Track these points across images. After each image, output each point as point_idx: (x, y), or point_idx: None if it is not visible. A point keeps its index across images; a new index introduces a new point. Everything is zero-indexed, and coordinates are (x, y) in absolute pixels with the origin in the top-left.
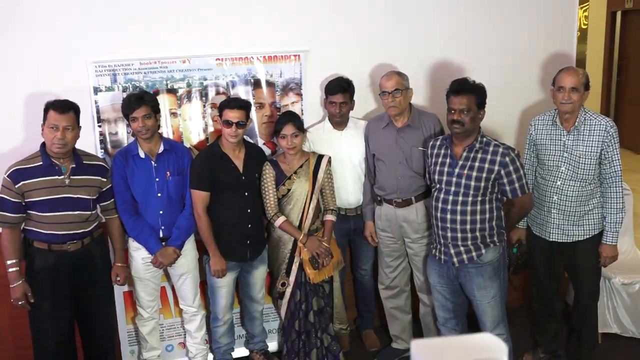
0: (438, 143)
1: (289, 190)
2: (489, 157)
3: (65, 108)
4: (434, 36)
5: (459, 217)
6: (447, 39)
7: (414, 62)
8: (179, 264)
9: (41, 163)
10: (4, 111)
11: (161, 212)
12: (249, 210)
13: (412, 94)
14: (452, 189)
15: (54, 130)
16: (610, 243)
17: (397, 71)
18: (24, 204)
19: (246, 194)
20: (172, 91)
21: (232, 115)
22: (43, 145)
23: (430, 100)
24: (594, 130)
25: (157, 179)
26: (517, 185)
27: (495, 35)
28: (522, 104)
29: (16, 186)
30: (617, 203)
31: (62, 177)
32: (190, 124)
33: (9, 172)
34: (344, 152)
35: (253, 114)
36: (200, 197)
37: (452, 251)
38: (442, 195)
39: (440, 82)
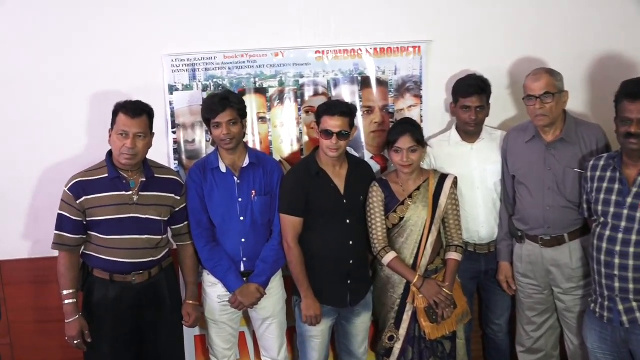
0: (602, 163)
1: (401, 218)
2: None
3: (138, 111)
4: (597, 22)
5: (631, 262)
6: (616, 25)
7: (570, 56)
8: (262, 306)
9: (107, 175)
10: (65, 112)
11: (243, 240)
12: (350, 242)
13: (568, 98)
14: (623, 224)
15: (123, 137)
16: None
17: (548, 68)
18: (85, 223)
19: (348, 221)
20: (261, 91)
21: (333, 123)
22: (109, 154)
23: (591, 107)
24: None
25: (240, 199)
26: None
27: None
28: None
29: (78, 202)
30: None
31: (130, 192)
32: (281, 131)
33: (71, 184)
34: (475, 171)
35: (359, 120)
36: (291, 224)
37: (620, 307)
38: (607, 233)
39: (607, 82)
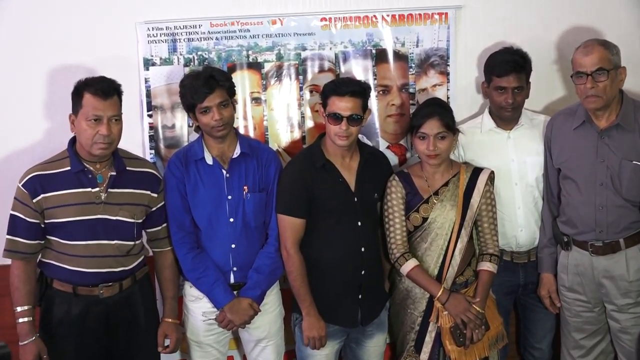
0: None
1: (425, 219)
2: None
3: (109, 91)
4: None
5: None
6: None
7: (631, 25)
8: (256, 325)
9: (69, 168)
10: (19, 91)
11: (233, 245)
12: (362, 249)
13: (625, 76)
14: None
15: (96, 123)
16: None
17: (602, 40)
18: (43, 226)
19: (359, 223)
20: (255, 66)
21: (342, 105)
22: (72, 142)
23: None
24: None
25: (229, 197)
26: None
27: None
28: None
29: (34, 200)
30: None
31: (97, 189)
32: (279, 115)
33: (25, 179)
34: (513, 164)
35: (373, 102)
36: (291, 227)
37: None
38: None
39: None
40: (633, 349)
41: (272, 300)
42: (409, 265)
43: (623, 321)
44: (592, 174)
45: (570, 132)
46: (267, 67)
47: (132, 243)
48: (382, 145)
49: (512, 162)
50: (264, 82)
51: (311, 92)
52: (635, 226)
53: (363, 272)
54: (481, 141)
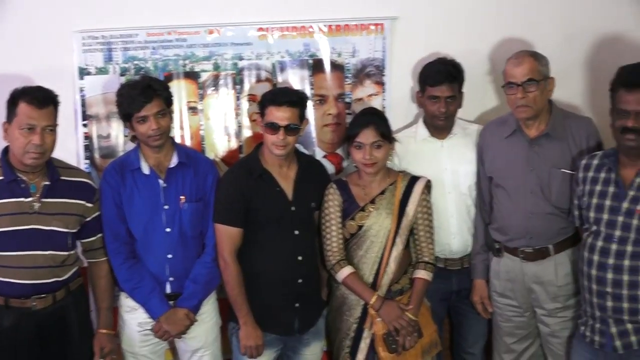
0: (596, 162)
1: (360, 227)
2: None
3: (45, 100)
4: None
5: (626, 277)
6: (614, 1)
7: (558, 37)
8: (192, 335)
9: (1, 178)
10: None
11: (170, 255)
12: (300, 258)
13: (554, 86)
14: (617, 233)
15: (29, 132)
16: None
17: (532, 51)
18: None
19: (297, 232)
20: (191, 76)
21: (280, 114)
22: (5, 152)
23: (585, 97)
24: None
25: (166, 207)
26: None
27: None
28: None
29: None
30: None
31: (30, 199)
32: (216, 124)
33: None
34: (446, 173)
35: (310, 111)
36: (228, 236)
37: (613, 330)
38: (599, 243)
39: (604, 68)
40: (562, 352)
41: (209, 310)
42: (344, 272)
43: (552, 325)
44: (523, 182)
45: (502, 141)
46: (204, 76)
47: (66, 253)
48: (319, 155)
49: (445, 170)
50: (201, 92)
51: (249, 101)
52: (564, 232)
53: (300, 281)
54: (416, 150)
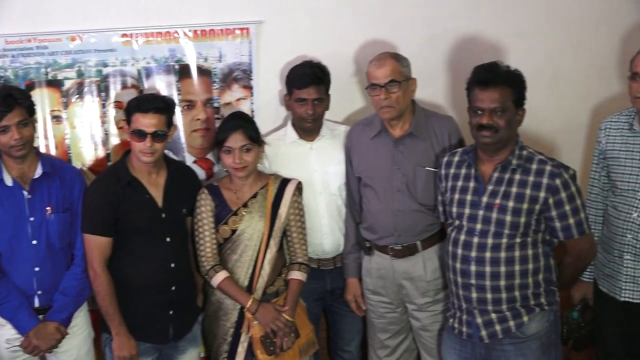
0: (456, 159)
1: (234, 231)
2: (531, 178)
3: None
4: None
5: (488, 269)
6: (473, 3)
7: (421, 38)
8: (64, 349)
9: None
10: None
11: (37, 268)
12: (172, 265)
13: (416, 87)
14: (479, 226)
15: None
16: None
17: (393, 53)
18: None
19: (168, 239)
20: (54, 84)
21: (146, 122)
22: None
23: (444, 96)
24: None
25: (31, 218)
26: (571, 221)
27: None
28: (587, 98)
29: None
30: None
31: None
32: (82, 133)
33: None
34: (316, 174)
35: (178, 117)
36: (97, 246)
37: (478, 320)
38: (462, 237)
39: (466, 68)
40: (434, 345)
41: (80, 322)
42: (219, 277)
43: (423, 319)
44: (389, 181)
45: (368, 142)
46: (68, 84)
47: None
48: (189, 160)
49: (315, 172)
50: (65, 100)
51: (115, 108)
52: (431, 229)
53: (174, 288)
54: (286, 153)
